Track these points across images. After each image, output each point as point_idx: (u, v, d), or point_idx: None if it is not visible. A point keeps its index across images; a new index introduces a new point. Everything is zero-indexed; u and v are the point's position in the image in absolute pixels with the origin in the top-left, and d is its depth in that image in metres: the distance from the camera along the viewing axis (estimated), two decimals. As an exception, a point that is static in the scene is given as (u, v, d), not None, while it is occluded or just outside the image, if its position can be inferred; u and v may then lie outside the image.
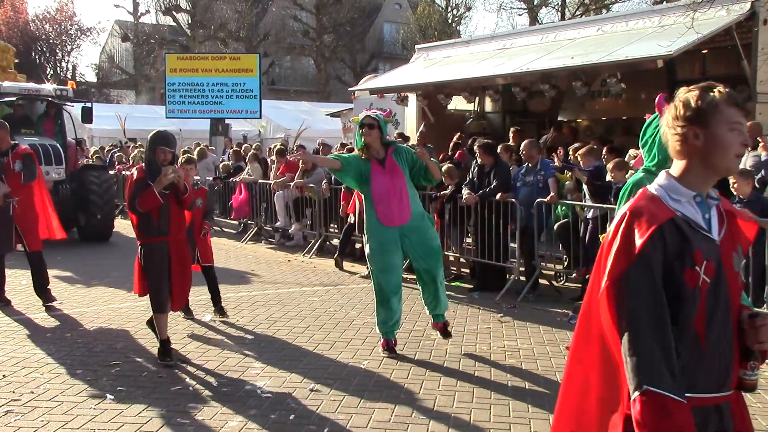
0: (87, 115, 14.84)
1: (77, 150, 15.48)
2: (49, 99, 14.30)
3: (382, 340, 6.59)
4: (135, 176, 6.21)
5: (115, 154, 20.17)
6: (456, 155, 12.03)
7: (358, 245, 11.81)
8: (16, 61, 18.74)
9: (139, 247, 6.28)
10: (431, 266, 6.57)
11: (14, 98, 13.82)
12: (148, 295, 6.35)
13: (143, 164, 6.36)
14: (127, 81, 43.58)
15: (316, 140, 17.95)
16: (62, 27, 45.57)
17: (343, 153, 7.02)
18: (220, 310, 7.88)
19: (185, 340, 6.96)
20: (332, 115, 23.42)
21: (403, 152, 6.59)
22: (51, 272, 10.43)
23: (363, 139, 6.51)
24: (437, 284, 6.64)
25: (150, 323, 6.64)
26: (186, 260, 6.46)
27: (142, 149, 20.12)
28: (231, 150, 18.11)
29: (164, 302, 6.25)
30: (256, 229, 14.18)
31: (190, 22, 40.39)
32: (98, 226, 13.87)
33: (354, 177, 6.55)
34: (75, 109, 15.15)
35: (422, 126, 13.85)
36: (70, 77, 41.41)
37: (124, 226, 15.31)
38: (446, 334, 6.82)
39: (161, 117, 23.15)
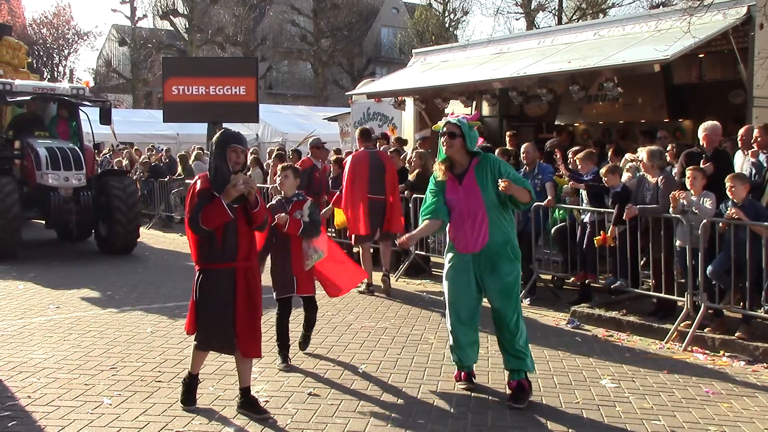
0: (105, 116, 13.79)
1: (94, 154, 14.69)
2: (65, 98, 13.49)
3: (456, 372, 5.88)
4: (198, 186, 4.99)
5: (112, 159, 20.13)
6: None
7: (355, 249, 11.80)
8: (29, 60, 18.25)
9: (197, 274, 5.08)
10: (501, 306, 5.44)
11: (28, 97, 13.10)
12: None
13: (207, 172, 5.12)
14: (125, 85, 43.53)
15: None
16: (59, 31, 45.57)
17: (430, 191, 5.65)
18: (302, 347, 6.68)
19: (183, 344, 6.94)
20: (330, 119, 23.39)
21: (489, 165, 5.49)
22: (48, 277, 10.45)
23: (444, 151, 5.51)
24: (507, 331, 5.46)
25: (243, 403, 5.18)
26: (257, 292, 5.14)
27: (134, 152, 20.13)
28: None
29: (212, 341, 5.09)
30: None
31: (187, 26, 40.34)
32: (122, 238, 12.74)
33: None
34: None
35: (425, 131, 13.84)
36: (68, 81, 41.39)
37: (146, 235, 14.81)
38: (518, 398, 5.39)
39: (158, 121, 23.08)
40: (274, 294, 6.35)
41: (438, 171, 5.60)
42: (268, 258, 6.40)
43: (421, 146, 12.97)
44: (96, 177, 13.30)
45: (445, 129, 5.51)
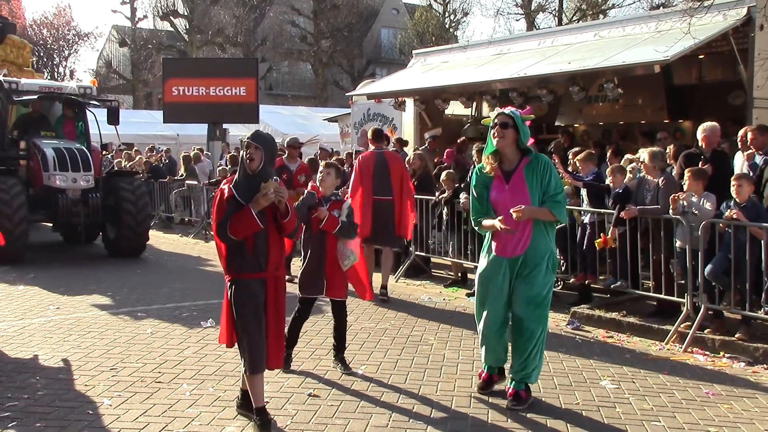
0: (113, 117, 13.44)
1: (101, 155, 14.14)
2: (72, 97, 13.09)
3: (482, 371, 5.73)
4: (226, 193, 4.71)
5: (113, 160, 20.12)
6: (444, 156, 12.04)
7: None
8: (33, 59, 17.88)
9: (228, 284, 4.83)
10: (525, 315, 5.25)
11: (35, 97, 12.69)
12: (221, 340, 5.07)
13: (236, 175, 4.82)
14: (125, 86, 43.57)
15: (314, 145, 17.93)
16: (60, 32, 45.59)
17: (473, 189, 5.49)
18: (341, 360, 6.28)
19: (182, 345, 6.94)
20: (330, 120, 23.42)
21: (540, 166, 5.22)
22: (48, 278, 10.45)
23: (495, 143, 5.24)
24: (524, 340, 5.28)
25: (243, 404, 5.09)
26: (283, 303, 4.95)
27: (131, 153, 20.06)
28: (228, 155, 18.10)
29: (261, 360, 4.78)
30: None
31: (187, 27, 40.39)
32: (131, 241, 12.36)
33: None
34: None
35: (436, 130, 13.83)
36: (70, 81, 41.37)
37: (155, 238, 14.34)
38: (516, 403, 5.30)
39: (158, 122, 23.12)
40: (299, 293, 6.23)
41: (486, 163, 5.33)
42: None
43: (431, 145, 12.96)
44: (104, 178, 12.97)
45: (496, 120, 5.24)
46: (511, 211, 5.13)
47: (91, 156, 12.57)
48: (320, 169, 6.34)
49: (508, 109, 5.32)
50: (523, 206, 5.13)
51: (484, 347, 5.58)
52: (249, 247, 4.70)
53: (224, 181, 4.89)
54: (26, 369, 6.19)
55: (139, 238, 12.51)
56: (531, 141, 5.37)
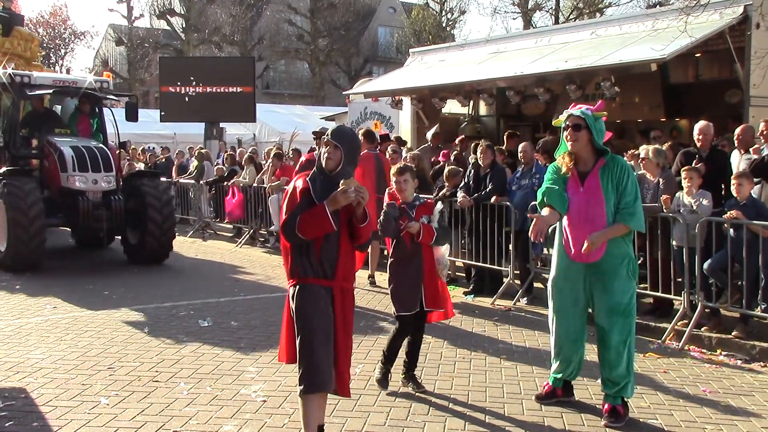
0: (132, 113, 12.63)
1: (119, 154, 13.06)
2: (90, 92, 12.13)
3: (547, 383, 5.50)
4: (301, 186, 4.20)
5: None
6: (440, 155, 12.04)
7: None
8: (42, 53, 17.17)
9: (292, 290, 4.31)
10: (607, 326, 5.03)
11: (50, 91, 11.94)
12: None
13: (313, 170, 4.29)
14: (122, 85, 43.48)
15: (310, 144, 17.92)
16: (56, 31, 45.55)
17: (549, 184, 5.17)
18: (412, 378, 5.77)
19: (179, 344, 6.94)
20: (327, 118, 23.43)
21: (616, 169, 4.95)
22: (45, 277, 10.42)
23: (569, 146, 5.00)
24: (610, 352, 5.06)
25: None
26: (351, 321, 4.33)
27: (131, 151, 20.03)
28: (226, 154, 18.07)
29: (323, 376, 4.10)
30: (250, 232, 14.17)
31: (184, 26, 40.33)
32: (155, 247, 11.46)
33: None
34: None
35: (435, 127, 13.84)
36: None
37: (178, 242, 13.13)
38: (612, 419, 4.99)
39: (155, 121, 23.08)
40: (396, 311, 5.65)
41: (561, 164, 5.08)
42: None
43: (433, 142, 12.95)
44: (125, 179, 12.15)
45: (568, 122, 5.00)
46: (582, 251, 4.89)
47: (111, 155, 11.71)
48: (393, 177, 5.61)
49: (578, 109, 5.02)
50: (588, 239, 4.86)
51: (555, 358, 5.37)
52: (316, 250, 4.15)
53: (298, 174, 4.39)
54: (23, 369, 6.17)
55: (164, 244, 11.62)
56: (608, 135, 5.15)
